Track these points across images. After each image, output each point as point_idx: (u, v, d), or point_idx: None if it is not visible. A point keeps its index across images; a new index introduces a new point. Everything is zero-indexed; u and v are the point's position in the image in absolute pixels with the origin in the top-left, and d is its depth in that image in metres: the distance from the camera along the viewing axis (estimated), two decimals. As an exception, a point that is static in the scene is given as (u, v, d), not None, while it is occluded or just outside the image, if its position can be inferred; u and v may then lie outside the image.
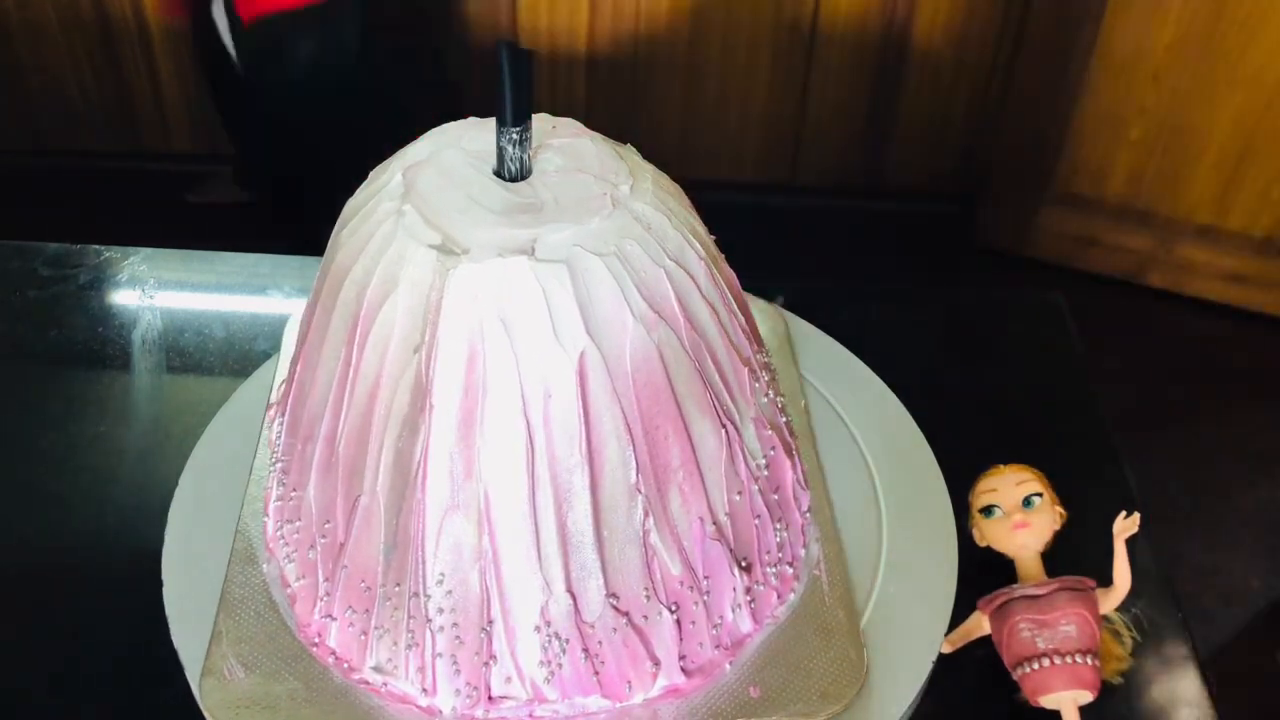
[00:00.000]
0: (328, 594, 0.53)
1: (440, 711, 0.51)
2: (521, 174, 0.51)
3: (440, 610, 0.50)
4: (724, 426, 0.52)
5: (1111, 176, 2.04)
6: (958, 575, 0.58)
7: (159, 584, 0.57)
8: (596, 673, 0.51)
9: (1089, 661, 0.53)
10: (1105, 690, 0.53)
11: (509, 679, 0.51)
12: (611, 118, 1.91)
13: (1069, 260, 2.13)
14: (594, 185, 0.50)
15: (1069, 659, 0.53)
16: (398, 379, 0.48)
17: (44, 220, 1.91)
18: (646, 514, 0.50)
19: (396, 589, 0.51)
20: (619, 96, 1.90)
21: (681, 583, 0.51)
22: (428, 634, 0.50)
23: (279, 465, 0.57)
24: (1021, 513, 0.58)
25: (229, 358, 0.75)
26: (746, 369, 0.54)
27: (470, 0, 1.87)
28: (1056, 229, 2.17)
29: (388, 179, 0.52)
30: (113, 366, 0.74)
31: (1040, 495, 0.58)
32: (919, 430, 0.66)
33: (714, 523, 0.52)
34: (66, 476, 0.68)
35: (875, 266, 2.18)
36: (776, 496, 0.56)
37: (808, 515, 0.59)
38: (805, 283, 0.78)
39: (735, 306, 0.55)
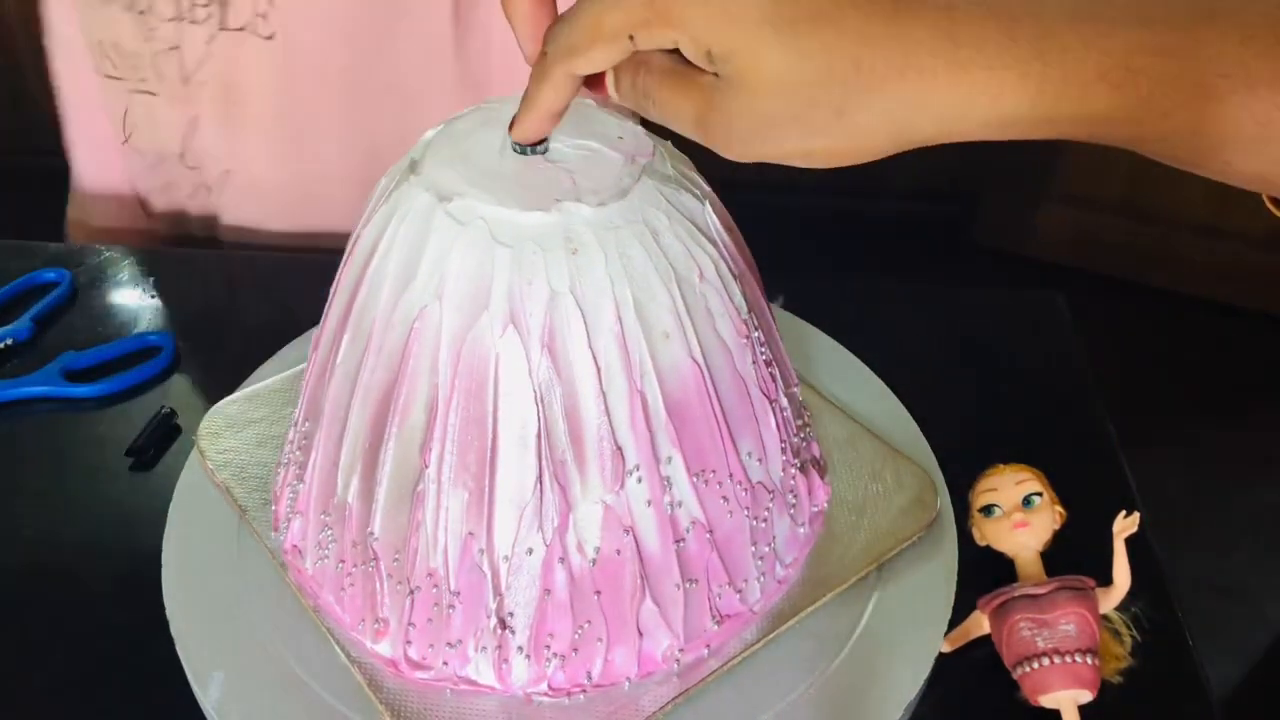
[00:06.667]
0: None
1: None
2: (540, 147, 0.51)
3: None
4: (541, 483, 0.48)
5: (1112, 175, 2.04)
6: (958, 575, 0.58)
7: (159, 585, 0.57)
8: (342, 593, 0.54)
9: (1089, 661, 0.53)
10: (1105, 690, 0.53)
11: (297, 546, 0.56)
12: (611, 117, 1.91)
13: (1069, 260, 2.13)
14: (607, 167, 0.50)
15: (1069, 658, 0.53)
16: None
17: (44, 220, 1.90)
18: (422, 496, 0.49)
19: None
20: (619, 96, 1.89)
21: (430, 574, 0.50)
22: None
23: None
24: (1021, 512, 0.58)
25: (229, 357, 0.75)
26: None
27: (470, 0, 1.86)
28: (1056, 228, 2.17)
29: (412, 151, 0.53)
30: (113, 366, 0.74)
31: (1040, 495, 0.58)
32: (919, 430, 0.66)
33: (483, 550, 0.48)
34: (66, 477, 0.68)
35: (875, 266, 2.18)
36: (598, 597, 0.50)
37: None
38: (805, 283, 0.78)
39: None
